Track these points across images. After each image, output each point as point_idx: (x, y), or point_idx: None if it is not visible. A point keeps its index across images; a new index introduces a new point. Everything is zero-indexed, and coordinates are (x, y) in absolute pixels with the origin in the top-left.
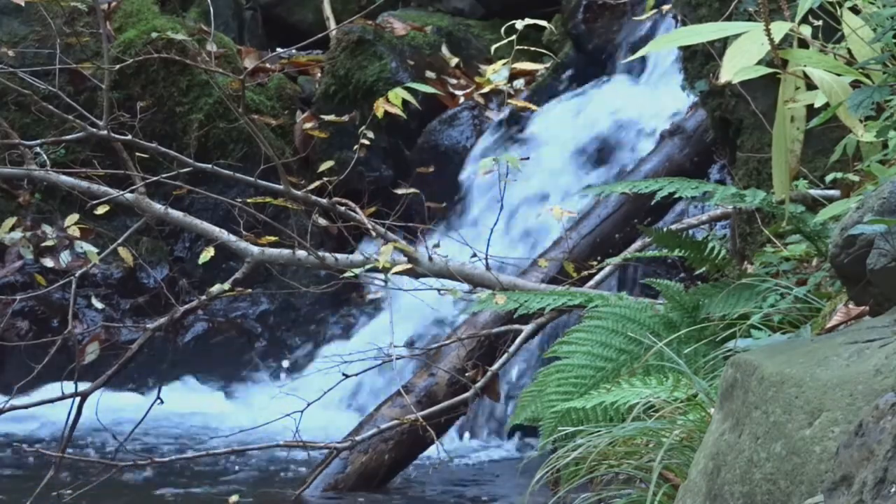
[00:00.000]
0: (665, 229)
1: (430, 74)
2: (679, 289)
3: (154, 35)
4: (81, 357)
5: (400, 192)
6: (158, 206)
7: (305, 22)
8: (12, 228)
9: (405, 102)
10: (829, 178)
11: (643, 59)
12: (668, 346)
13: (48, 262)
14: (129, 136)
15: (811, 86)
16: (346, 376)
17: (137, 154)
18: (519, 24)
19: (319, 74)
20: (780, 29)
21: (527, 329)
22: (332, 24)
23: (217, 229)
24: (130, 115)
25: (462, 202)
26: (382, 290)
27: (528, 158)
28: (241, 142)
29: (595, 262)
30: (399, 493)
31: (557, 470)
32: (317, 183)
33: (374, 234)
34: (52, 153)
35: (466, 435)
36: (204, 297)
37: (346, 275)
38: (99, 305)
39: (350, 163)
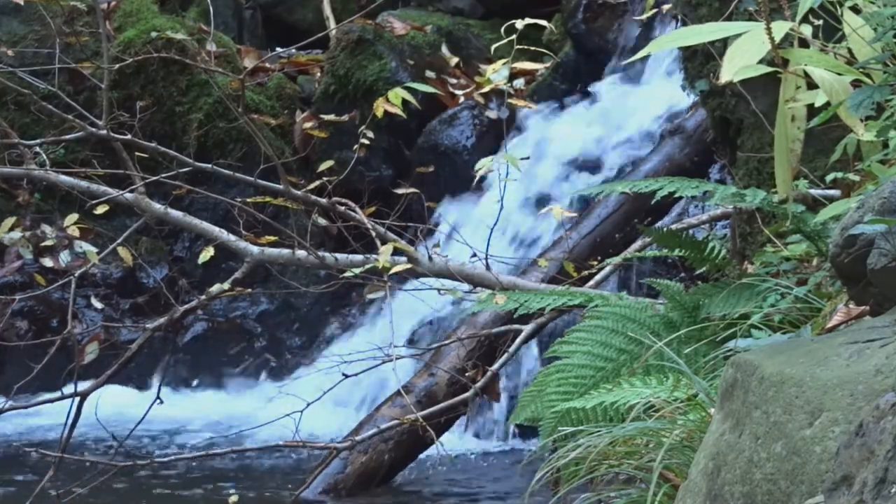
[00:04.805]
0: (665, 229)
1: (429, 74)
2: (679, 289)
3: (154, 34)
4: (81, 357)
5: (400, 191)
6: (158, 206)
7: (305, 21)
8: (12, 228)
9: (405, 102)
10: (829, 177)
11: (643, 59)
12: (668, 346)
13: (48, 262)
14: (129, 136)
15: (812, 85)
16: (346, 376)
17: (137, 154)
18: (519, 24)
19: (319, 74)
20: (780, 28)
21: (527, 329)
22: (331, 23)
23: (217, 229)
24: (130, 114)
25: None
26: (382, 290)
27: (527, 158)
28: (241, 141)
29: (595, 262)
30: (399, 493)
31: (557, 470)
32: (316, 183)
33: (373, 233)
34: (51, 153)
35: (466, 435)
36: (203, 297)
37: (346, 275)
38: (98, 305)
39: (350, 163)
